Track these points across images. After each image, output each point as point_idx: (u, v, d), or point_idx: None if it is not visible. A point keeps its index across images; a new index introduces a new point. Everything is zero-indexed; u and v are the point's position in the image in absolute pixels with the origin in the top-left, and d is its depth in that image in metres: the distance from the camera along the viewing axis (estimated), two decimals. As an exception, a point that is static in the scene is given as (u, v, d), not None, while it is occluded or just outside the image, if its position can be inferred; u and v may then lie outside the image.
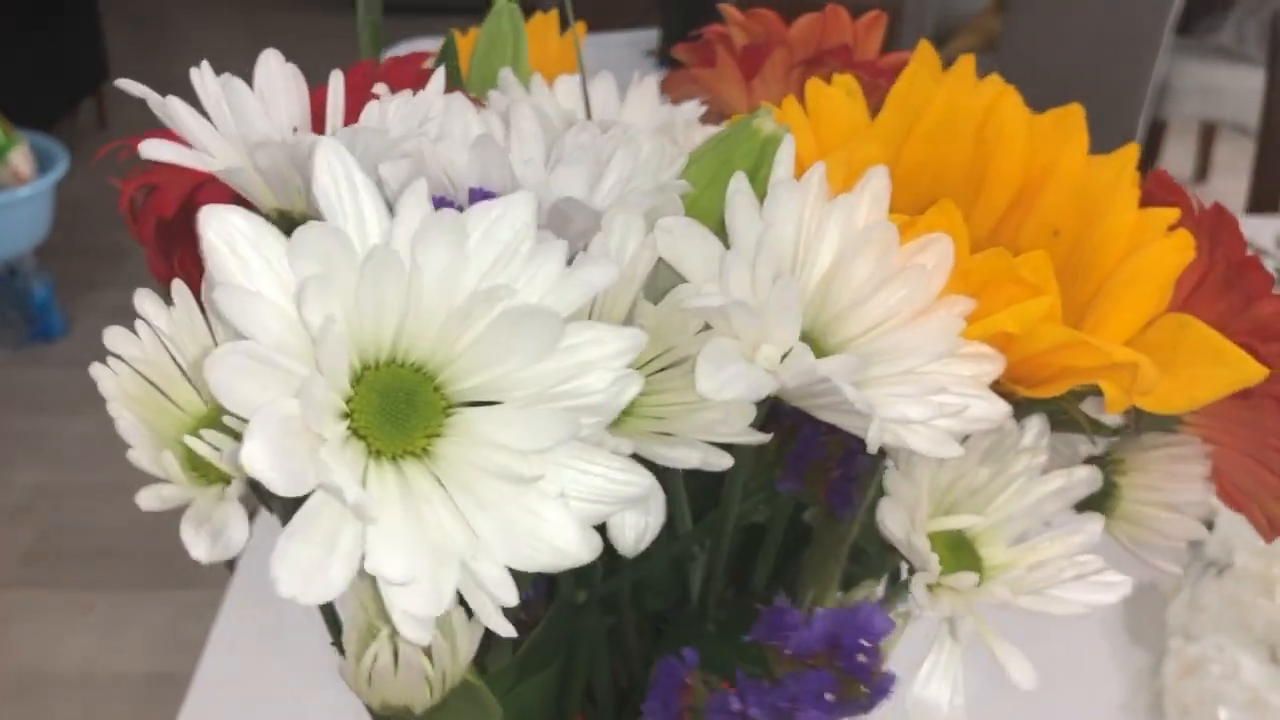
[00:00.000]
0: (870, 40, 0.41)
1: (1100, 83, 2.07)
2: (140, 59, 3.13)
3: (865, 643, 0.28)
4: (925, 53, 0.32)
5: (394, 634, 0.25)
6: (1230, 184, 2.85)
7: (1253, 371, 0.27)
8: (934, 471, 0.29)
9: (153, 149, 0.28)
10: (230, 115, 0.30)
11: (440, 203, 0.26)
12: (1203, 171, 2.93)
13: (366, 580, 0.23)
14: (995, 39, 2.16)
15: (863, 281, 0.28)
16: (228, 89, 0.29)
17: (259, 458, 0.22)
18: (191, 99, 0.30)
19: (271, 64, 0.31)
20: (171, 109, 0.29)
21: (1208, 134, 2.88)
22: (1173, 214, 0.29)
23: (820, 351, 0.27)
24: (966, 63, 0.31)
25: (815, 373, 0.25)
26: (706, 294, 0.26)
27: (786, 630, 0.28)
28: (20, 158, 2.16)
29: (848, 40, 0.40)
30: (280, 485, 0.22)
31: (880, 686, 0.28)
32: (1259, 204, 1.75)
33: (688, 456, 0.26)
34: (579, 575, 0.33)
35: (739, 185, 0.26)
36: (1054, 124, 0.31)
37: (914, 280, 0.27)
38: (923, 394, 0.26)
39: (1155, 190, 0.31)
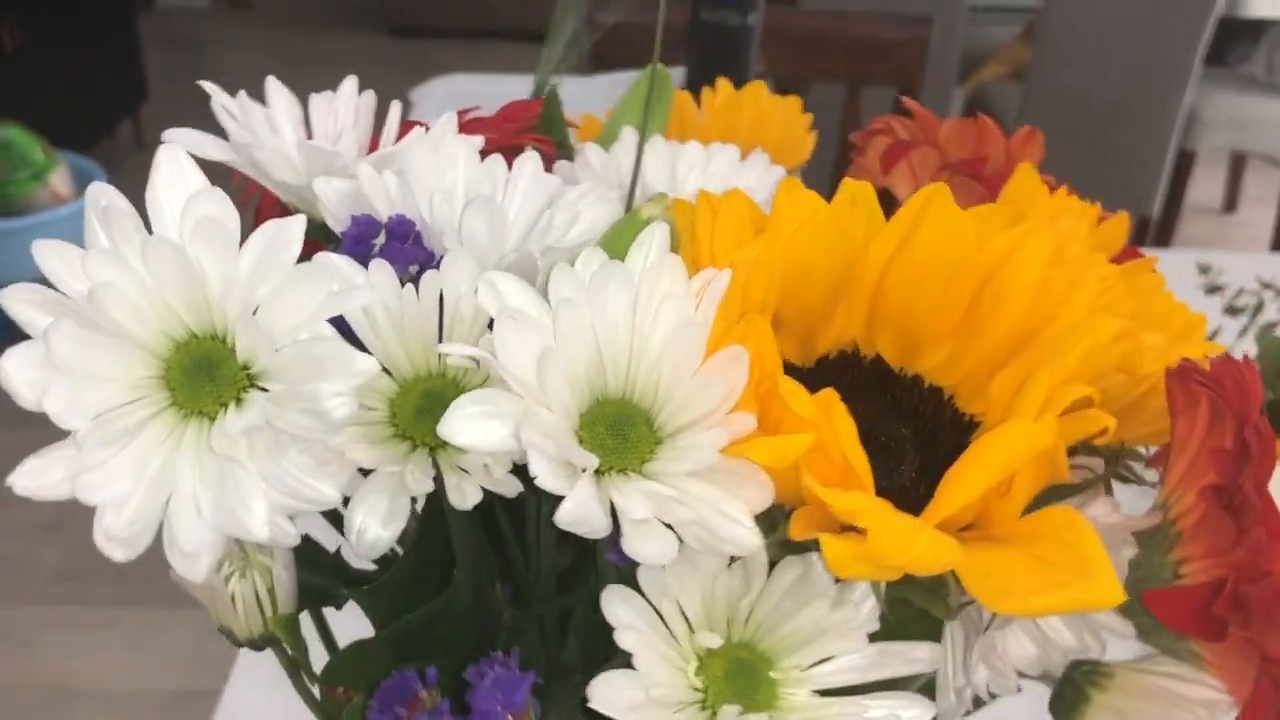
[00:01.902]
0: (1025, 154, 0.41)
1: (1129, 112, 2.07)
2: (177, 80, 3.18)
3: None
4: (850, 189, 0.31)
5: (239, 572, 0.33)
6: (1259, 215, 2.84)
7: (1107, 599, 0.24)
8: (702, 580, 0.29)
9: (174, 136, 0.31)
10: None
11: (362, 224, 0.31)
12: (1232, 202, 2.92)
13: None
14: (1024, 68, 2.16)
15: (672, 376, 0.28)
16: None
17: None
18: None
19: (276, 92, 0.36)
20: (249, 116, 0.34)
21: (1237, 164, 2.87)
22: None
23: (651, 427, 0.28)
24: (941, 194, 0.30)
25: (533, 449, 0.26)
26: (462, 346, 0.28)
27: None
28: (60, 178, 2.20)
29: (989, 152, 0.40)
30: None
31: None
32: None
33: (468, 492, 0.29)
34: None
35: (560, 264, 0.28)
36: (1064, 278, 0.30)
37: (708, 387, 0.27)
38: (649, 496, 0.26)
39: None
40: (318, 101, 0.36)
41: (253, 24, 4.18)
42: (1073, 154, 2.06)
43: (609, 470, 0.27)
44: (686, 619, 0.29)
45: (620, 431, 0.28)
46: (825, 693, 0.29)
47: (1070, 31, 2.03)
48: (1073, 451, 0.29)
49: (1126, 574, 0.29)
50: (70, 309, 0.27)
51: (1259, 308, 1.03)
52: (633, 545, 0.26)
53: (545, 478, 0.25)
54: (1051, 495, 0.28)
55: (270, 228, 0.27)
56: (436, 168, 0.33)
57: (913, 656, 0.29)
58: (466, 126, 0.39)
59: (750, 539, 0.26)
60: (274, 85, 0.36)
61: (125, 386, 0.28)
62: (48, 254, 0.28)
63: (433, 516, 0.33)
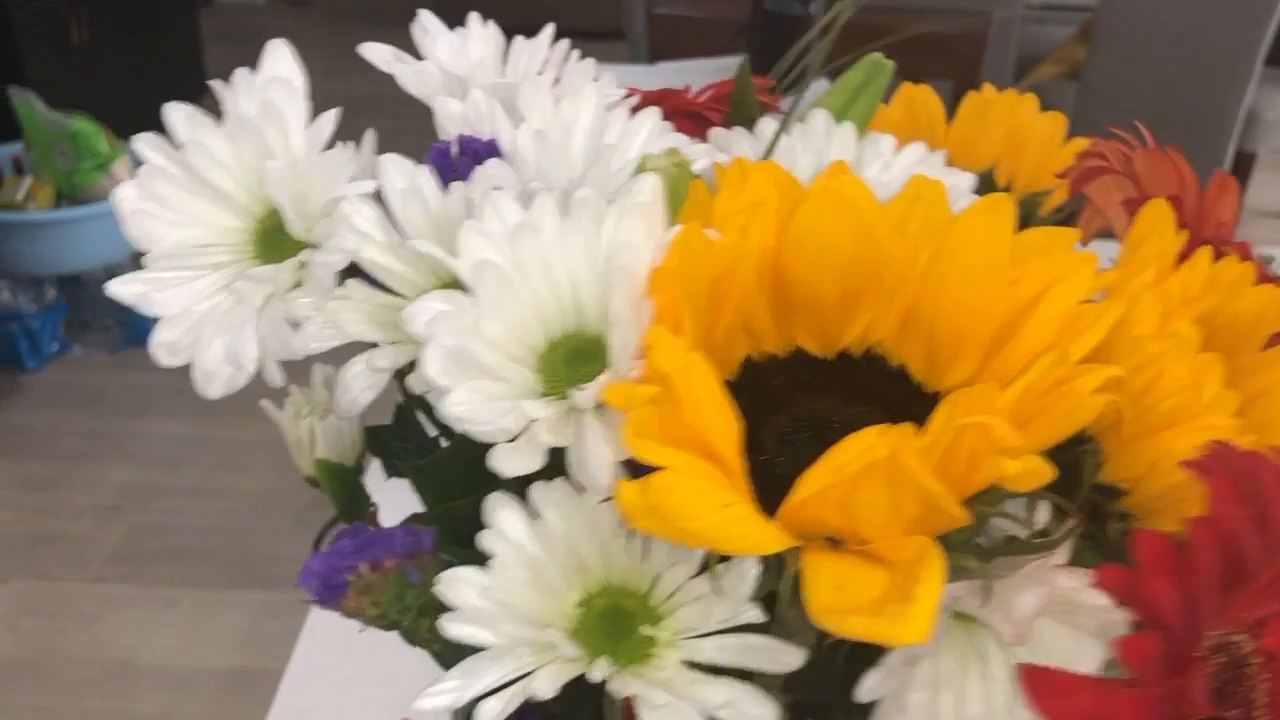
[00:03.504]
0: (1221, 203, 0.38)
1: (1187, 113, 2.05)
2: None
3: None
4: (918, 186, 0.30)
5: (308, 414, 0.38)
6: (1319, 218, 2.80)
7: (908, 636, 0.23)
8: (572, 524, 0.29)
9: (370, 51, 0.38)
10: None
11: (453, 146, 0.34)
12: (1291, 205, 2.87)
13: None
14: (1079, 67, 2.14)
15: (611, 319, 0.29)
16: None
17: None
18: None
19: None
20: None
21: (1297, 167, 2.82)
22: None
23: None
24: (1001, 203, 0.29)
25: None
26: (427, 243, 0.31)
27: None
28: (123, 168, 2.25)
29: (1186, 195, 0.37)
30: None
31: None
32: (1348, 240, 1.71)
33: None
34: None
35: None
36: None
37: (624, 331, 0.28)
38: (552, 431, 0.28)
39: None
40: (518, 44, 0.40)
41: (310, 20, 4.24)
42: (1128, 155, 2.03)
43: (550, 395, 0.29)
44: (579, 550, 0.30)
45: (573, 363, 0.29)
46: (701, 667, 0.29)
47: (1127, 31, 2.02)
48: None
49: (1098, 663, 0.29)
50: (177, 159, 0.33)
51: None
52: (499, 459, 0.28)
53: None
54: (1014, 547, 0.28)
55: (316, 122, 0.33)
56: (548, 106, 0.35)
57: (780, 657, 0.29)
58: (665, 98, 0.40)
59: (602, 480, 0.27)
60: (474, 19, 0.40)
61: (212, 231, 0.33)
62: (176, 112, 0.33)
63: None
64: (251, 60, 0.35)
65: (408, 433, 0.39)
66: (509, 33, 0.40)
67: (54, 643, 1.68)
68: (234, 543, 1.87)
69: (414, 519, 0.36)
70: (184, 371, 0.33)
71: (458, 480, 0.35)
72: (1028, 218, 0.44)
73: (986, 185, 0.45)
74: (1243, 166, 2.36)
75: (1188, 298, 0.30)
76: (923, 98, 0.46)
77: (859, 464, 0.24)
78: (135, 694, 1.61)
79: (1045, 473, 0.25)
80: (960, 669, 0.30)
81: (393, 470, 0.38)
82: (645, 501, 0.24)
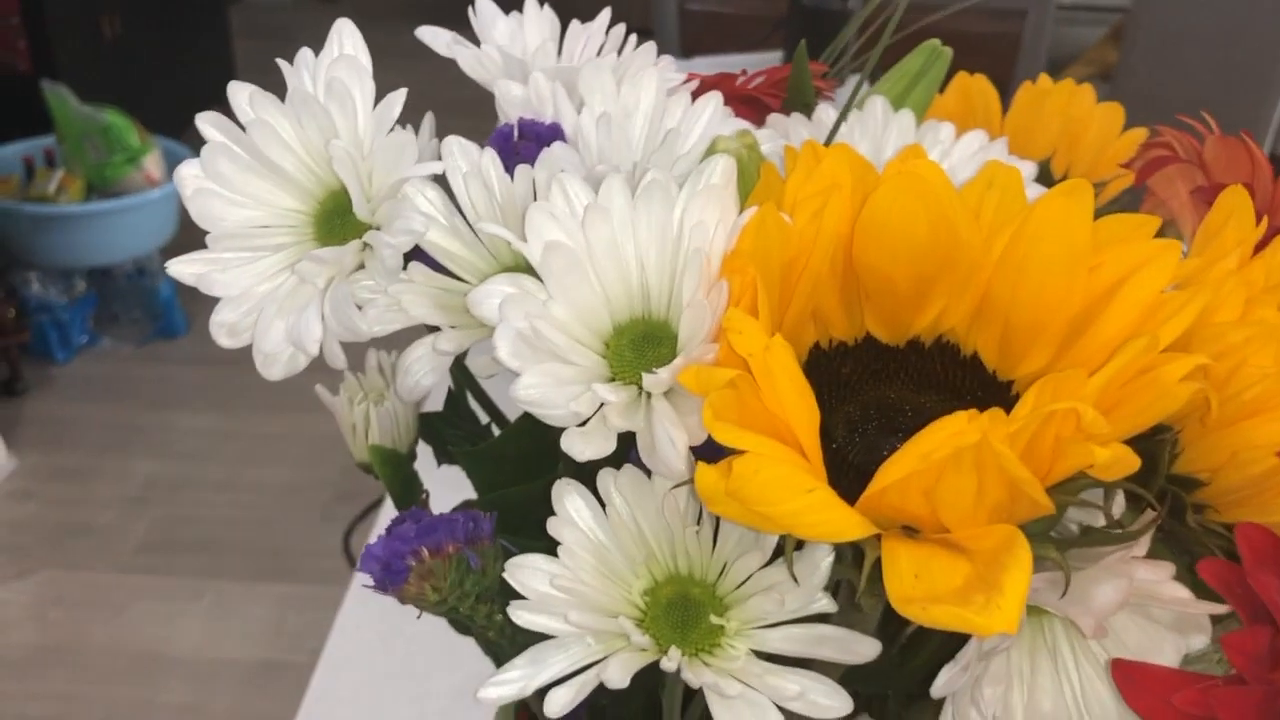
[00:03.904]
0: None
1: (1219, 116, 2.03)
2: (265, 70, 3.25)
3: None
4: (992, 171, 0.29)
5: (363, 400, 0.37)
6: (1353, 223, 2.76)
7: (997, 627, 0.22)
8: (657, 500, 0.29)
9: (429, 35, 0.38)
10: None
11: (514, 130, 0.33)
12: (1324, 209, 2.85)
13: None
14: (1111, 69, 2.13)
15: (685, 299, 0.28)
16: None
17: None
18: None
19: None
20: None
21: (1330, 171, 2.80)
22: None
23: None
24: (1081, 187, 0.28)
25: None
26: (493, 225, 0.30)
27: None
28: (153, 162, 2.26)
29: (1258, 182, 0.37)
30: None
31: None
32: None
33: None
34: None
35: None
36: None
37: (699, 313, 0.28)
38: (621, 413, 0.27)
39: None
40: (574, 28, 0.39)
41: (335, 19, 4.25)
42: (1160, 157, 2.02)
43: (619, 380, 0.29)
44: (646, 537, 0.29)
45: (640, 348, 0.29)
46: (765, 657, 0.29)
47: (1159, 32, 2.00)
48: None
49: (1177, 658, 0.28)
50: (240, 139, 0.32)
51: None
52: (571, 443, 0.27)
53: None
54: (1094, 538, 0.27)
55: (383, 102, 0.32)
56: (610, 90, 0.35)
57: (853, 647, 0.28)
58: (720, 83, 0.40)
59: (676, 465, 0.27)
60: (531, 4, 0.39)
61: (272, 212, 0.33)
62: (239, 91, 0.33)
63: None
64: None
65: (460, 419, 0.39)
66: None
67: (82, 632, 1.69)
68: (260, 535, 1.88)
69: (466, 505, 0.35)
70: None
71: (510, 467, 0.35)
72: (1086, 210, 0.44)
73: (1043, 175, 0.45)
74: (1276, 170, 2.34)
75: (1269, 286, 0.30)
76: (979, 87, 0.46)
77: (948, 449, 0.24)
78: (162, 684, 1.62)
79: (1132, 461, 0.24)
80: (1030, 663, 0.30)
81: (444, 457, 0.38)
82: (726, 485, 0.24)
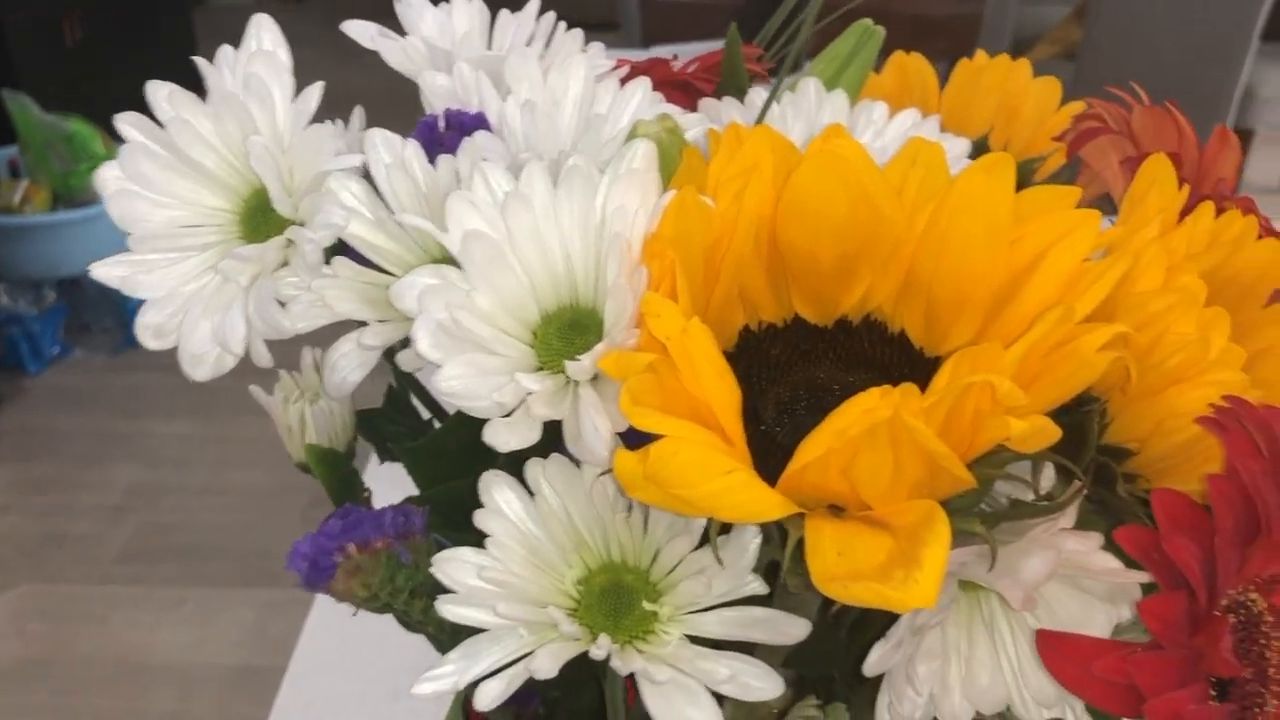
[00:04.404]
0: (1221, 158, 0.38)
1: (1183, 91, 2.03)
2: (231, 75, 3.23)
3: None
4: (915, 148, 0.29)
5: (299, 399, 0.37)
6: (1321, 193, 2.78)
7: (913, 601, 0.22)
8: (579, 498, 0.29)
9: (354, 29, 0.37)
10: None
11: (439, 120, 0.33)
12: (1292, 180, 2.86)
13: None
14: (1075, 48, 2.13)
15: (607, 286, 0.28)
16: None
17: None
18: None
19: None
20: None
21: (1297, 142, 2.81)
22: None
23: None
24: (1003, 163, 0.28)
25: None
26: (414, 217, 0.30)
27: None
28: (119, 170, 2.24)
29: (1185, 151, 0.37)
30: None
31: None
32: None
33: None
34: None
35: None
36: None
37: (620, 297, 0.27)
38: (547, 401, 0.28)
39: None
40: (504, 17, 0.39)
41: (303, 19, 4.24)
42: (1127, 132, 2.03)
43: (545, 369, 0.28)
44: (577, 526, 0.29)
45: (568, 336, 0.29)
46: (702, 642, 0.28)
47: (1122, 10, 2.01)
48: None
49: (1109, 627, 0.28)
50: (161, 138, 0.32)
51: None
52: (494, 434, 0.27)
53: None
54: (1021, 511, 0.27)
55: (300, 96, 0.32)
56: (536, 78, 0.34)
57: (785, 629, 0.28)
58: (652, 68, 0.40)
59: (601, 452, 0.26)
60: None
61: (197, 211, 0.33)
62: (158, 90, 0.33)
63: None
64: None
65: (400, 415, 0.39)
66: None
67: (64, 644, 1.68)
68: (241, 540, 1.87)
69: (409, 502, 0.35)
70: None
71: (451, 461, 0.35)
72: (1023, 184, 0.44)
73: (981, 152, 0.44)
74: (1241, 143, 2.36)
75: (1191, 254, 0.30)
76: (915, 65, 0.45)
77: (861, 426, 0.24)
78: (146, 693, 1.61)
79: (1052, 433, 0.24)
80: (967, 638, 0.30)
81: (386, 454, 0.38)
82: (643, 470, 0.24)
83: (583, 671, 0.30)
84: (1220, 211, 0.31)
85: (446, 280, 0.28)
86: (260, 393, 0.37)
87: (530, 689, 0.31)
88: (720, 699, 0.28)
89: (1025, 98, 0.44)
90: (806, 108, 0.38)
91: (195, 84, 0.33)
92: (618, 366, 0.25)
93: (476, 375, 0.27)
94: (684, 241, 0.28)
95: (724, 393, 0.26)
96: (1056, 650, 0.24)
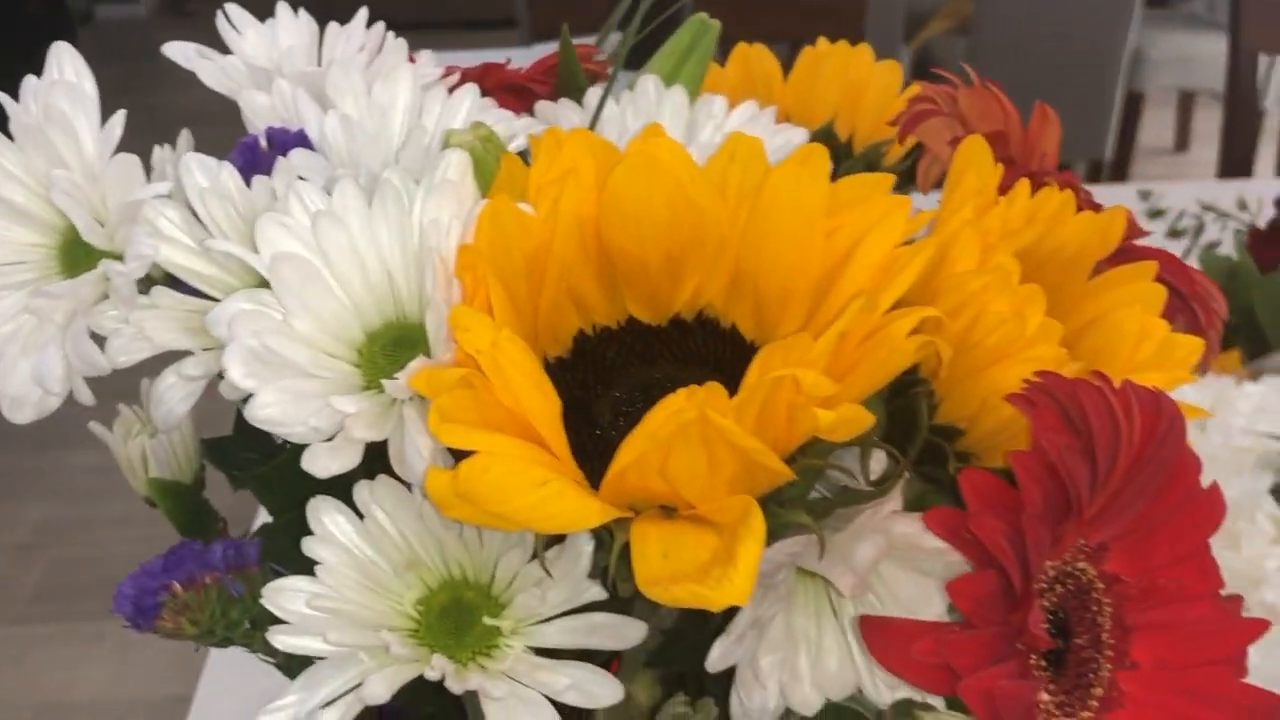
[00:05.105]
0: (1044, 134, 0.38)
1: (1075, 58, 2.08)
2: (125, 91, 3.15)
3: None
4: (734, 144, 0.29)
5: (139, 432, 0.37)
6: (1210, 152, 2.85)
7: (728, 599, 0.23)
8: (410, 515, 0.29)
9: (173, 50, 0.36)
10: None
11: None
12: (1183, 141, 2.94)
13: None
14: (969, 22, 2.16)
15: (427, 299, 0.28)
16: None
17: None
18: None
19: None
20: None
21: (1186, 103, 2.89)
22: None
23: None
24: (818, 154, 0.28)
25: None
26: (225, 242, 0.29)
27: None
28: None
29: (1011, 128, 0.38)
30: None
31: None
32: (1229, 169, 1.76)
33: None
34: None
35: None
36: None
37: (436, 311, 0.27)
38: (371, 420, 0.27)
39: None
40: (333, 29, 0.37)
41: (196, 31, 4.14)
42: (1022, 103, 2.06)
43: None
44: (412, 545, 0.29)
45: (393, 354, 0.28)
46: (548, 653, 0.28)
47: (1011, -19, 2.04)
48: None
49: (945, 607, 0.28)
50: None
51: (1200, 229, 1.04)
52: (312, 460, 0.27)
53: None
54: (846, 498, 0.27)
55: (106, 125, 0.31)
56: (360, 90, 0.33)
57: (623, 633, 0.28)
58: (486, 73, 0.39)
59: (422, 473, 0.26)
60: (283, 9, 0.38)
61: (10, 249, 0.32)
62: None
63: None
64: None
65: (253, 442, 0.38)
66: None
67: (-22, 690, 1.63)
68: (159, 569, 1.83)
69: (261, 531, 0.34)
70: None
71: (302, 487, 0.34)
72: (872, 169, 0.44)
73: (827, 139, 0.45)
74: (1134, 106, 2.41)
75: (1009, 232, 0.30)
76: (757, 55, 0.46)
77: (670, 427, 0.23)
78: (67, 734, 1.57)
79: (863, 420, 0.24)
80: (815, 625, 0.30)
81: (237, 483, 0.37)
82: (455, 488, 0.23)
83: (450, 694, 0.30)
84: (1042, 188, 0.32)
85: (260, 304, 0.27)
86: (99, 428, 0.36)
87: (405, 708, 0.30)
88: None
89: (868, 83, 0.44)
90: (646, 106, 0.38)
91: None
92: (429, 384, 0.25)
93: (292, 401, 0.26)
94: (499, 251, 0.28)
95: (541, 403, 0.25)
96: (879, 635, 0.24)
